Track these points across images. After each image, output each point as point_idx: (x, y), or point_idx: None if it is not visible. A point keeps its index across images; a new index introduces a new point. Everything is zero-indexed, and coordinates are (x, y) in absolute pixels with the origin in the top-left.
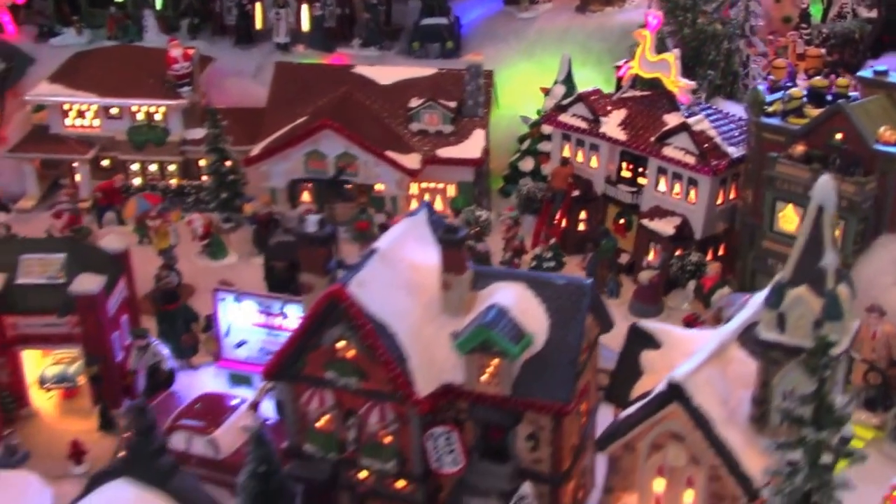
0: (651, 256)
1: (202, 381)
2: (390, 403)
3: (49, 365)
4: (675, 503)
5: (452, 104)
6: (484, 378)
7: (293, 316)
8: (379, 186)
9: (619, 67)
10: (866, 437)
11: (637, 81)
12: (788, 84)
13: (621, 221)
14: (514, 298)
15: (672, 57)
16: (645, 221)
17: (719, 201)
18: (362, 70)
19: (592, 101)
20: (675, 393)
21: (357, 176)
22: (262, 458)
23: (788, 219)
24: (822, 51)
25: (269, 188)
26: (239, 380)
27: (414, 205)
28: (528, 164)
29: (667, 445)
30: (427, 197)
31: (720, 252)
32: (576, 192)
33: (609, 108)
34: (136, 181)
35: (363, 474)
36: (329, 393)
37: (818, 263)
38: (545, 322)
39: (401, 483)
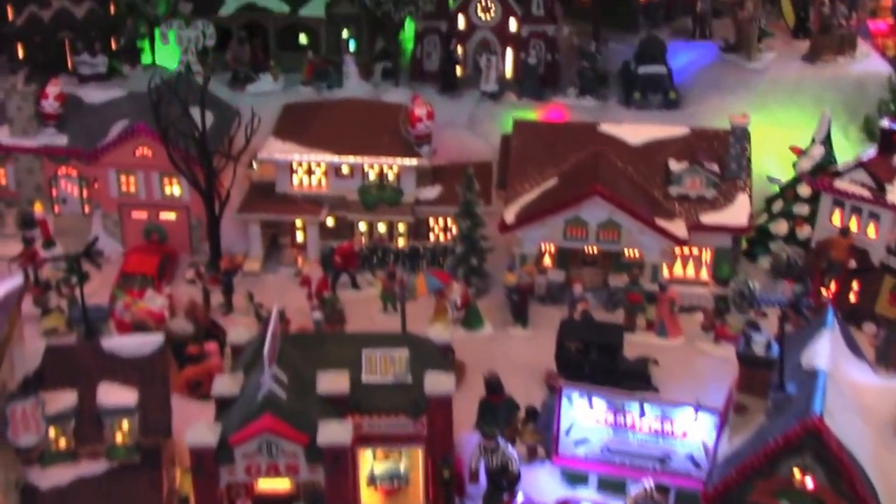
0: None
1: (536, 479)
2: None
3: (377, 462)
4: None
5: (715, 167)
6: None
7: (651, 416)
8: (630, 253)
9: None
10: None
11: None
12: None
13: None
14: None
15: None
16: None
17: None
18: (608, 129)
19: (875, 167)
20: None
21: (618, 243)
22: None
23: None
24: None
25: (520, 254)
26: (574, 479)
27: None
28: (781, 228)
29: None
30: (679, 263)
31: None
32: (852, 264)
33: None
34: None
35: None
36: None
37: None
38: None
39: None
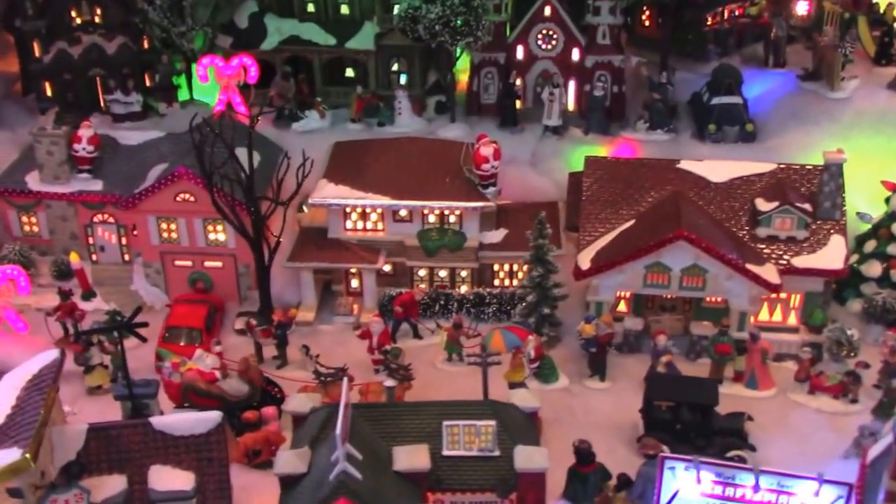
0: None
1: None
2: None
3: None
4: None
5: (807, 206)
6: None
7: (767, 488)
8: (713, 298)
9: None
10: None
11: None
12: None
13: None
14: None
15: None
16: None
17: None
18: (687, 165)
19: None
20: None
21: (703, 290)
22: None
23: None
24: None
25: (595, 303)
26: None
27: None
28: (874, 269)
29: None
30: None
31: None
32: None
33: None
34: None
35: None
36: None
37: None
38: None
39: None
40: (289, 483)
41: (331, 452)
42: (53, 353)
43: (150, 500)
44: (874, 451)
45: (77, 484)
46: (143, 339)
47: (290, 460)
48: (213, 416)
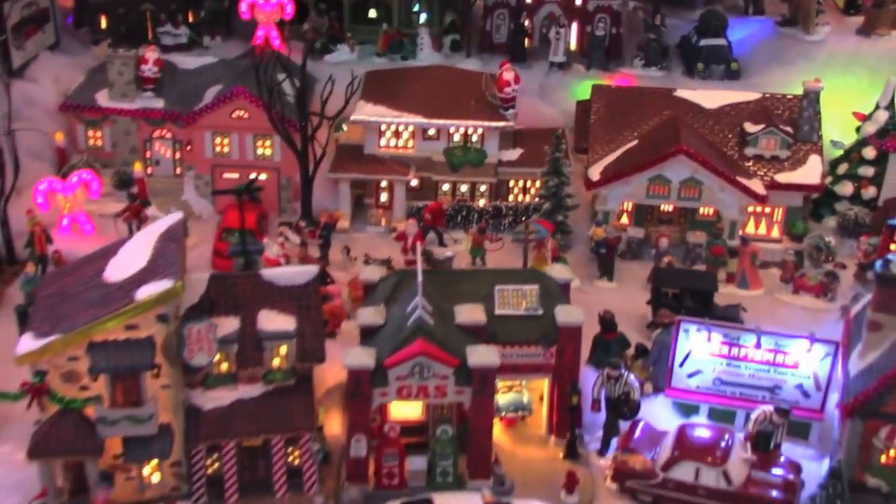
0: None
1: (651, 410)
2: None
3: (499, 395)
4: None
5: (789, 129)
6: None
7: (766, 347)
8: (705, 210)
9: None
10: None
11: None
12: None
13: None
14: None
15: None
16: None
17: None
18: (684, 94)
19: None
20: None
21: (698, 200)
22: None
23: None
24: None
25: (603, 212)
26: (686, 409)
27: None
28: (846, 189)
29: None
30: (752, 220)
31: None
32: None
33: None
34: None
35: None
36: None
37: None
38: None
39: None
40: (368, 333)
41: (403, 309)
42: (178, 214)
43: (259, 338)
44: (856, 308)
45: (207, 318)
46: (258, 201)
47: (370, 314)
48: (310, 270)
